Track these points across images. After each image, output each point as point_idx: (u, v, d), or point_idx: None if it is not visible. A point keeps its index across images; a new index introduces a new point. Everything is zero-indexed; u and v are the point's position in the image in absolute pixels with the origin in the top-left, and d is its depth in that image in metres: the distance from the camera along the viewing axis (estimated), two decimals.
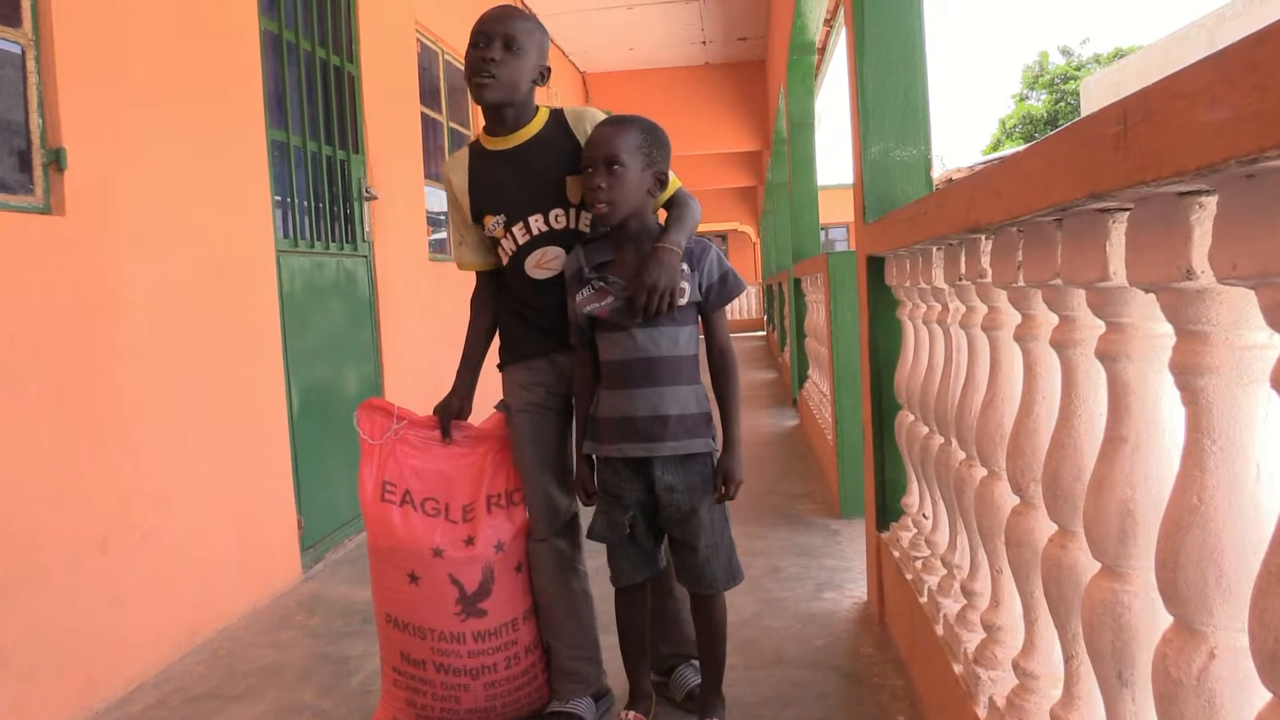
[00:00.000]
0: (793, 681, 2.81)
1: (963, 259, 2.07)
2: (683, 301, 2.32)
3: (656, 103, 11.57)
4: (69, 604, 2.82)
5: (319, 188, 4.66)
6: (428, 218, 6.19)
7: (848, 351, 4.73)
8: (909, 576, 2.75)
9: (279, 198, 4.26)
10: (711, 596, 2.46)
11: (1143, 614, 1.28)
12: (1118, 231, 1.23)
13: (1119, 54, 34.72)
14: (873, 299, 3.21)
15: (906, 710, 2.60)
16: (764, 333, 20.60)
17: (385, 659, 2.58)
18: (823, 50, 8.76)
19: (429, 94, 6.47)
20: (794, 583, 3.70)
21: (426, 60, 6.48)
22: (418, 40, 6.21)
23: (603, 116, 2.43)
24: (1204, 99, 0.84)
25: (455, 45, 6.93)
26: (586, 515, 2.54)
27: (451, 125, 6.99)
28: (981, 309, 2.10)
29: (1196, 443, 1.08)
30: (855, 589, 3.58)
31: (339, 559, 4.46)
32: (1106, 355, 1.32)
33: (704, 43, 11.31)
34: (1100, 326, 1.37)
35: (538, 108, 2.51)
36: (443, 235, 6.74)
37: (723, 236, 29.14)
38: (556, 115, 2.51)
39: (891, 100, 3.18)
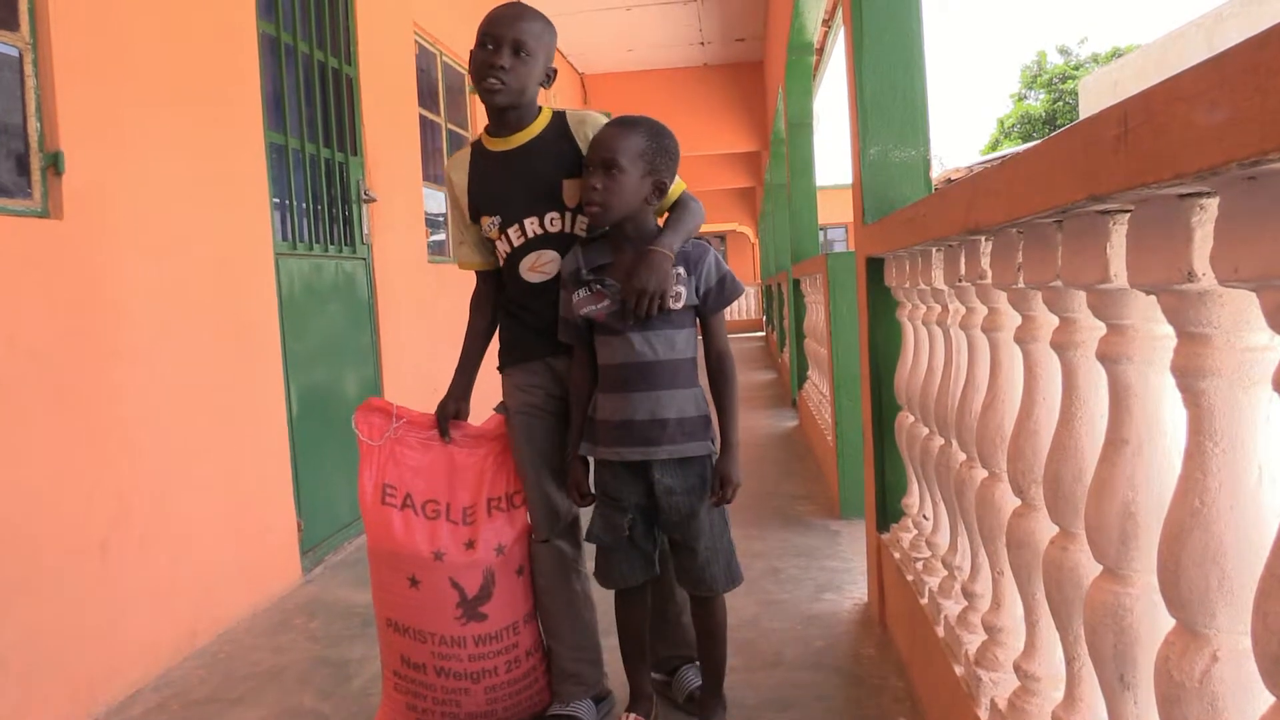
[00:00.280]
0: (793, 683, 2.81)
1: (962, 260, 2.06)
2: (678, 305, 2.31)
3: (655, 104, 11.57)
4: (68, 607, 2.81)
5: (317, 190, 4.66)
6: (426, 219, 6.18)
7: (847, 352, 4.73)
8: (910, 578, 2.75)
9: (277, 200, 4.26)
10: (711, 599, 2.46)
11: (1144, 616, 1.28)
12: (1118, 233, 1.23)
13: (1117, 53, 34.73)
14: (872, 300, 3.21)
15: (907, 712, 2.60)
16: (763, 333, 20.60)
17: (386, 663, 2.57)
18: (821, 50, 8.76)
19: (427, 96, 6.47)
20: (794, 584, 3.70)
21: (425, 62, 6.48)
22: (416, 42, 6.21)
23: (604, 121, 2.42)
24: (1205, 102, 0.84)
25: (453, 47, 6.93)
26: (586, 516, 2.54)
27: (450, 127, 6.98)
28: (981, 310, 2.10)
29: (1198, 445, 1.08)
30: (856, 590, 3.58)
31: (339, 562, 4.46)
32: (1107, 357, 1.32)
33: (702, 44, 11.31)
34: (1101, 328, 1.37)
35: (540, 109, 2.50)
36: (441, 237, 6.74)
37: (721, 237, 29.16)
38: (558, 118, 2.49)
39: (890, 101, 3.18)
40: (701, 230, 2.48)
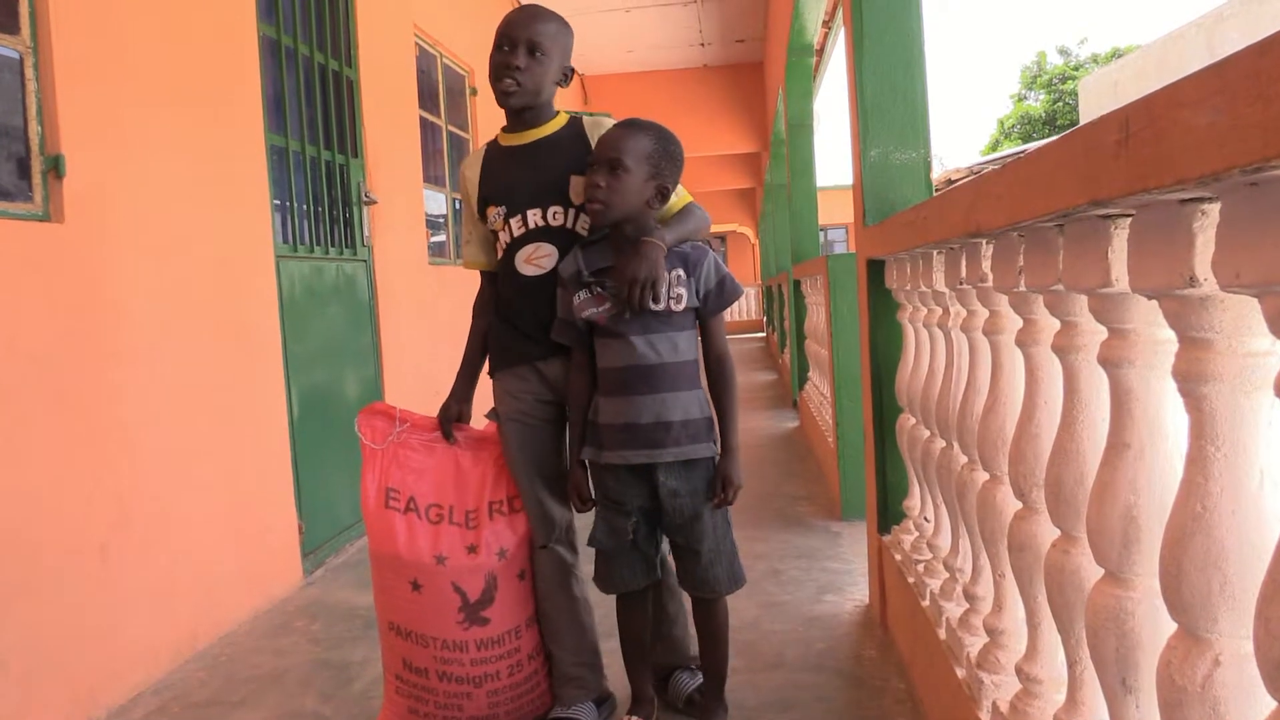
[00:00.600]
0: (794, 685, 2.81)
1: (963, 263, 2.06)
2: (679, 307, 2.32)
3: (655, 105, 11.58)
4: (69, 609, 2.81)
5: (318, 192, 4.66)
6: (427, 221, 6.19)
7: (848, 353, 4.73)
8: (911, 580, 2.75)
9: (278, 202, 4.26)
10: (714, 601, 2.46)
11: (1146, 620, 1.28)
12: (1120, 238, 1.23)
13: (1116, 54, 34.73)
14: (873, 302, 3.21)
15: (909, 714, 2.60)
16: (764, 334, 20.60)
17: (388, 666, 2.57)
18: (821, 51, 8.76)
19: (427, 98, 6.47)
20: (795, 586, 3.70)
21: (425, 64, 6.48)
22: (416, 44, 6.21)
23: None
24: (1206, 108, 0.84)
25: (453, 49, 6.93)
26: (584, 523, 2.54)
27: (450, 129, 6.98)
28: (983, 313, 2.10)
29: (1200, 449, 1.08)
30: (857, 592, 3.58)
31: (340, 564, 4.46)
32: (1109, 361, 1.32)
33: (702, 45, 11.31)
34: (1102, 332, 1.37)
35: (557, 111, 2.53)
36: (442, 238, 6.74)
37: (722, 238, 29.15)
38: (575, 121, 2.52)
39: (890, 103, 3.18)
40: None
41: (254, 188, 4.00)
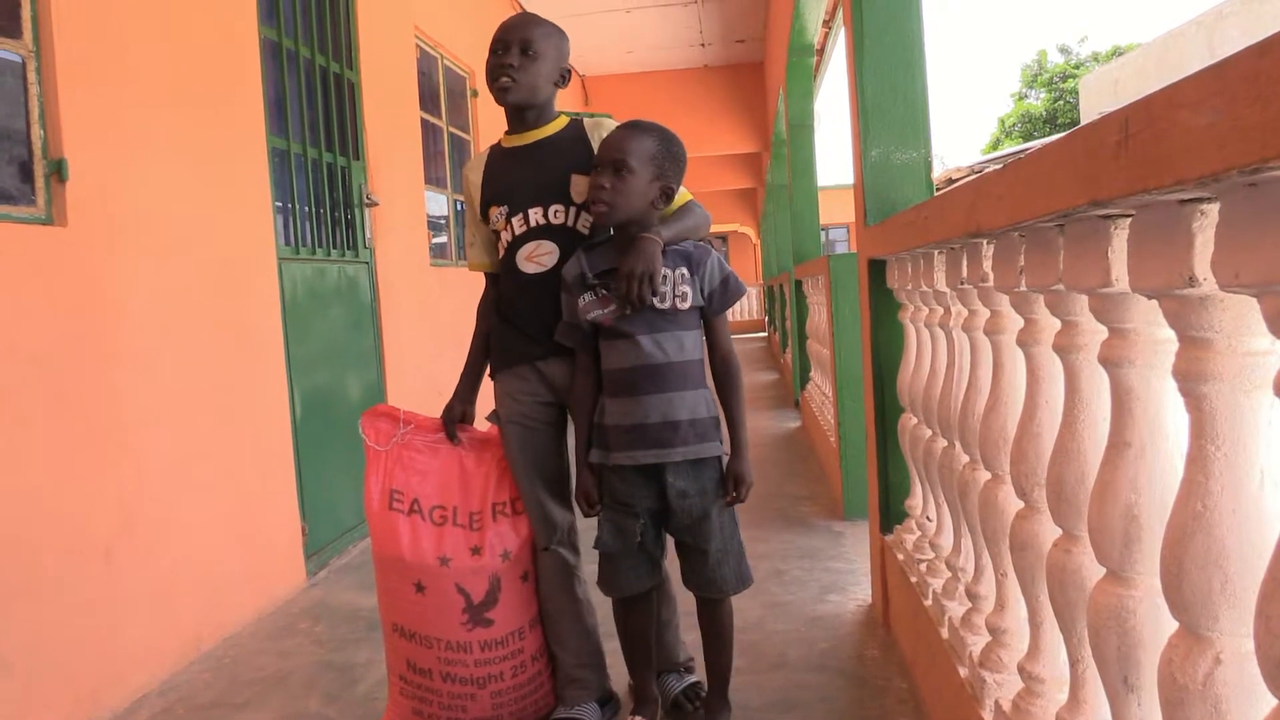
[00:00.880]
0: (797, 685, 2.82)
1: (964, 263, 2.07)
2: (684, 305, 2.33)
3: (656, 105, 11.59)
4: (72, 612, 2.82)
5: (320, 194, 4.67)
6: (428, 223, 6.19)
7: (850, 353, 4.73)
8: (913, 579, 2.76)
9: (280, 204, 4.27)
10: (719, 601, 2.46)
11: (1148, 619, 1.29)
12: (1120, 238, 1.24)
13: (1117, 52, 34.71)
14: (874, 302, 3.22)
15: (912, 713, 2.60)
16: (765, 334, 20.60)
17: (392, 668, 2.58)
18: (821, 51, 8.77)
19: (428, 99, 6.48)
20: (798, 586, 3.71)
21: (426, 66, 6.49)
22: (417, 46, 6.22)
23: None
24: (1205, 109, 0.85)
25: (455, 50, 6.94)
26: (587, 524, 2.54)
27: (451, 130, 6.99)
28: (984, 313, 2.10)
29: (1200, 449, 1.09)
30: (859, 592, 3.58)
31: (343, 565, 4.47)
32: (1110, 361, 1.32)
33: (702, 45, 11.31)
34: (1103, 331, 1.38)
35: (559, 113, 2.55)
36: (444, 239, 6.75)
37: (723, 238, 29.15)
38: (575, 123, 2.55)
39: (891, 103, 3.18)
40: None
41: (256, 190, 4.01)
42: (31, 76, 2.84)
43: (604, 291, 2.33)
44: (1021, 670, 1.83)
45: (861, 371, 3.50)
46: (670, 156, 2.34)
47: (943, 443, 2.51)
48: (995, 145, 38.44)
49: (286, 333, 4.16)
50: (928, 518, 2.89)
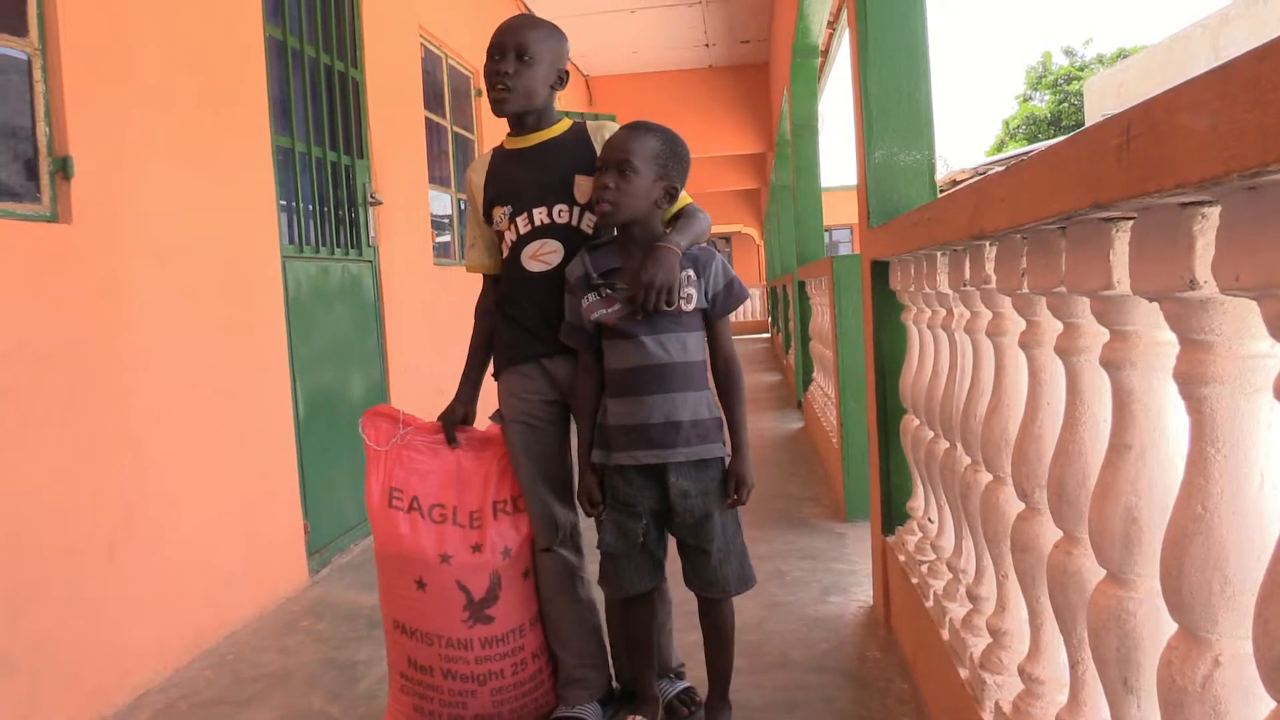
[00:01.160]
0: (798, 685, 2.82)
1: (967, 265, 2.07)
2: (690, 307, 2.33)
3: (660, 106, 11.60)
4: (76, 610, 2.83)
5: (324, 193, 4.68)
6: (432, 222, 6.20)
7: (852, 355, 4.74)
8: (914, 580, 2.76)
9: (284, 203, 4.28)
10: (720, 601, 2.46)
11: (1147, 621, 1.29)
12: (1121, 240, 1.24)
13: (1122, 54, 34.70)
14: (878, 303, 3.22)
15: (912, 714, 2.60)
16: (768, 335, 20.60)
17: (393, 664, 2.58)
18: (825, 52, 8.76)
19: (433, 98, 6.49)
20: (799, 586, 3.71)
21: (430, 65, 6.50)
22: (421, 45, 6.22)
23: None
24: (1206, 113, 0.85)
25: (459, 49, 6.95)
26: (589, 524, 2.55)
27: (455, 129, 7.00)
28: (986, 315, 2.10)
29: (1200, 451, 1.09)
30: (861, 592, 3.58)
31: (345, 563, 4.47)
32: (1111, 363, 1.33)
33: (707, 45, 11.32)
34: (1104, 334, 1.38)
35: (561, 116, 2.56)
36: (447, 239, 6.76)
37: (726, 239, 29.16)
38: (578, 125, 2.56)
39: (895, 105, 3.18)
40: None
41: (260, 188, 4.02)
42: (37, 74, 2.84)
43: (608, 292, 2.34)
44: (1022, 672, 1.83)
45: (864, 372, 3.50)
46: (674, 157, 2.35)
47: (945, 444, 2.52)
48: (999, 147, 38.45)
49: (290, 331, 4.17)
50: (929, 519, 2.89)
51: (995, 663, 2.01)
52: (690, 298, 2.33)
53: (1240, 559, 1.05)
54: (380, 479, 2.54)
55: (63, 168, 2.88)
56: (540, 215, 2.48)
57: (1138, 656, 1.30)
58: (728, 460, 2.40)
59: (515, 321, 2.55)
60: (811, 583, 3.75)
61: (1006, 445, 1.92)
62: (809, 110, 8.01)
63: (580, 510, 2.54)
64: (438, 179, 6.48)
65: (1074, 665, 1.58)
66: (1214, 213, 1.01)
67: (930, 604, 2.57)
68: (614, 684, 2.71)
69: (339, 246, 4.77)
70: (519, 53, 2.40)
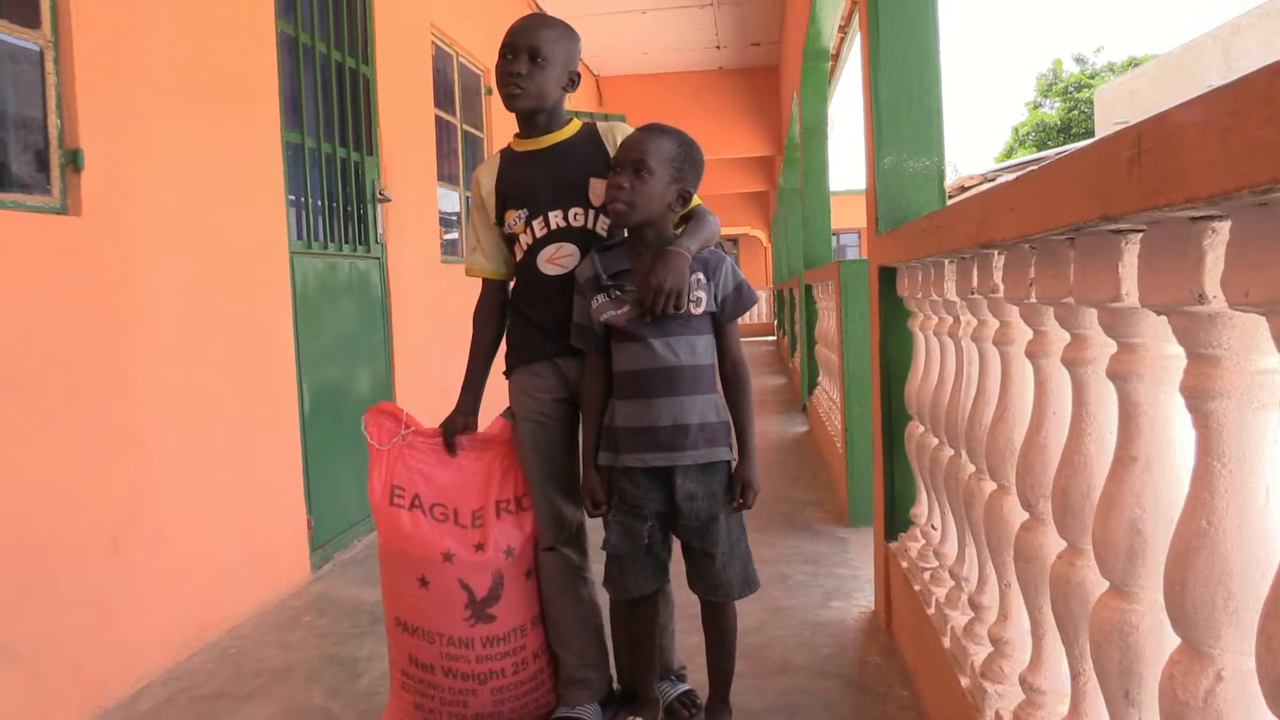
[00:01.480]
0: (799, 690, 2.82)
1: (975, 273, 2.07)
2: (699, 310, 2.33)
3: (670, 107, 11.60)
4: (80, 603, 2.83)
5: (333, 189, 4.68)
6: (440, 219, 6.21)
7: (858, 359, 4.73)
8: (917, 587, 2.76)
9: (293, 198, 4.28)
10: (723, 604, 2.47)
11: (1150, 634, 1.29)
12: (1130, 252, 1.24)
13: (1133, 63, 34.63)
14: (884, 309, 3.22)
15: None
16: (774, 337, 20.59)
17: (394, 662, 2.59)
18: (836, 56, 8.76)
19: (443, 96, 6.49)
20: (802, 590, 3.71)
21: (441, 63, 6.51)
22: (432, 43, 6.23)
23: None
24: (1218, 128, 0.85)
25: (470, 48, 6.96)
26: (594, 525, 2.55)
27: (465, 128, 7.01)
28: (993, 323, 2.10)
29: (1206, 465, 1.09)
30: (863, 598, 3.58)
31: (348, 559, 4.48)
32: (1118, 375, 1.33)
33: (718, 47, 11.32)
34: (1112, 345, 1.38)
35: (570, 117, 2.56)
36: (454, 236, 6.76)
37: (734, 241, 29.15)
38: (589, 127, 2.56)
39: (906, 110, 3.18)
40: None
41: (269, 184, 4.02)
42: (49, 66, 2.85)
43: (618, 293, 2.34)
44: (1023, 681, 1.83)
45: (869, 378, 3.50)
46: (689, 160, 2.36)
47: (949, 452, 2.51)
48: (1009, 154, 38.39)
49: (297, 326, 4.17)
50: (932, 526, 2.89)
51: (996, 671, 2.01)
52: (699, 301, 2.33)
53: (1244, 574, 1.05)
54: (382, 476, 2.54)
55: (73, 160, 2.89)
56: (556, 219, 2.48)
57: (1140, 669, 1.29)
58: (734, 464, 2.40)
59: (529, 321, 2.55)
60: (814, 587, 3.75)
61: (1011, 454, 1.92)
62: (819, 114, 8.01)
63: (585, 509, 2.54)
64: (446, 177, 6.48)
65: (1075, 676, 1.58)
66: (1224, 227, 1.01)
67: (932, 611, 2.57)
68: (615, 685, 2.71)
69: (347, 243, 4.78)
70: (532, 54, 2.40)
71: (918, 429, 2.91)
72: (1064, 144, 32.13)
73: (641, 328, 2.32)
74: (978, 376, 2.24)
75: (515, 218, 2.51)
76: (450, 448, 2.57)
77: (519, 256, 2.55)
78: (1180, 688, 1.10)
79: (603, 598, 2.62)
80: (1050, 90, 39.19)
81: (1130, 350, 1.31)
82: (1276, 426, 1.06)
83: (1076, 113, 36.81)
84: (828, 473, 5.91)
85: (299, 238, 4.34)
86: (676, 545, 2.49)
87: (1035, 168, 1.46)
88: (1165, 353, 1.27)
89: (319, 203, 4.56)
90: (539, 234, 2.49)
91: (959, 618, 2.39)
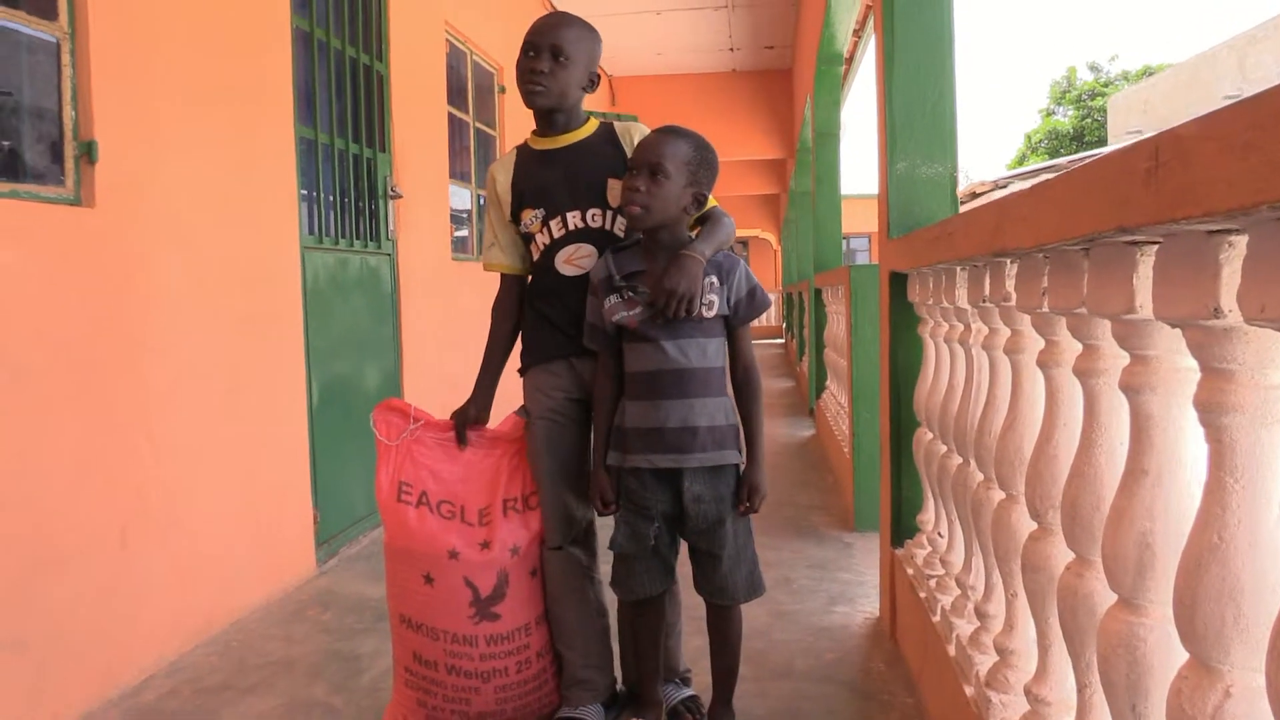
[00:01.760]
0: (802, 695, 2.81)
1: (987, 281, 2.06)
2: (711, 313, 2.33)
3: (682, 108, 11.60)
4: (87, 594, 2.84)
5: (345, 185, 4.69)
6: (451, 217, 6.21)
7: (867, 364, 4.73)
8: (922, 595, 2.75)
9: (305, 193, 4.29)
10: (729, 608, 2.46)
11: (1158, 647, 1.28)
12: (1145, 264, 1.23)
13: (1148, 72, 34.55)
14: (894, 315, 3.21)
15: None
16: (782, 340, 20.58)
17: (398, 659, 2.59)
18: (850, 60, 8.75)
19: (456, 94, 6.50)
20: (806, 595, 3.70)
21: (454, 60, 6.51)
22: (446, 40, 6.24)
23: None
24: (1237, 143, 0.85)
25: (484, 46, 6.96)
26: (602, 525, 2.55)
27: (478, 125, 7.01)
28: (1004, 332, 2.10)
29: (1218, 480, 1.08)
30: (867, 604, 3.58)
31: (353, 554, 4.49)
32: (1130, 387, 1.32)
33: (732, 50, 11.31)
34: (1124, 357, 1.37)
35: (588, 116, 2.56)
36: (464, 233, 6.77)
37: (744, 243, 29.14)
38: (606, 127, 2.55)
39: (919, 117, 3.17)
40: None
41: (282, 179, 4.03)
42: (65, 58, 2.86)
43: (630, 294, 2.34)
44: (1028, 692, 1.82)
45: (878, 383, 3.49)
46: (705, 164, 2.36)
47: (957, 459, 2.51)
48: (1021, 160, 38.33)
49: (307, 321, 4.18)
50: (939, 533, 2.88)
51: (1002, 682, 2.01)
52: (712, 304, 2.33)
53: (1255, 591, 1.05)
54: (390, 473, 2.54)
55: (87, 152, 2.90)
56: (574, 219, 2.48)
57: (1147, 683, 1.29)
58: (742, 467, 2.40)
59: (545, 320, 2.55)
60: (818, 592, 3.74)
61: (1021, 464, 1.91)
62: (831, 118, 7.99)
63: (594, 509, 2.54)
64: (458, 174, 6.49)
65: (1082, 689, 1.58)
66: (1241, 241, 1.00)
67: (937, 619, 2.56)
68: (620, 685, 2.71)
69: (358, 238, 4.78)
70: (555, 52, 2.40)
71: (926, 435, 2.91)
72: (1076, 152, 32.07)
73: (653, 329, 2.32)
74: (988, 385, 2.23)
75: (531, 217, 2.51)
76: (461, 438, 2.57)
77: (535, 256, 2.55)
78: (1188, 703, 1.10)
79: (610, 599, 2.62)
80: (1064, 98, 39.12)
81: (1143, 362, 1.31)
82: None
83: (1090, 121, 36.74)
84: (834, 477, 5.91)
85: (310, 233, 4.34)
86: (684, 547, 2.49)
87: (1050, 176, 1.46)
88: (1178, 365, 1.27)
89: (331, 198, 4.57)
90: (557, 234, 2.49)
91: (964, 626, 2.38)
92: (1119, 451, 1.45)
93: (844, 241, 9.69)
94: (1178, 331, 1.21)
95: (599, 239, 2.48)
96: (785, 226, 17.85)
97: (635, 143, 2.43)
